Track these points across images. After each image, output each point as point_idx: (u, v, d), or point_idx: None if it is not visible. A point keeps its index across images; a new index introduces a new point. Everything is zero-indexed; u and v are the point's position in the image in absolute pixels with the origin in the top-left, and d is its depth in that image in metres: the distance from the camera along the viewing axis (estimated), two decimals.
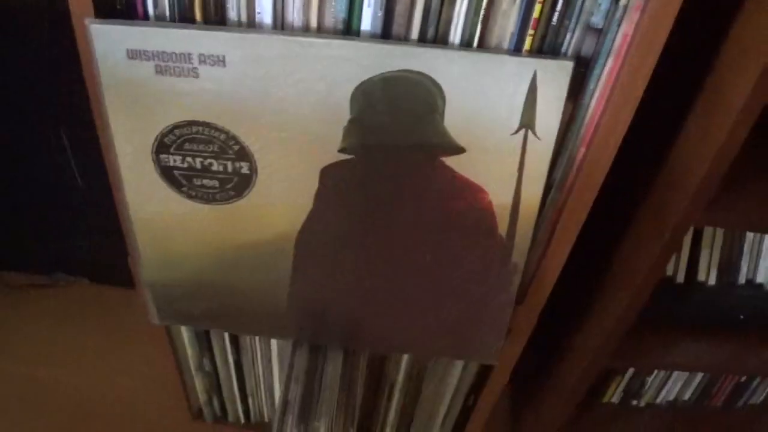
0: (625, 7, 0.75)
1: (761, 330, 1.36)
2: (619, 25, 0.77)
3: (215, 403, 1.48)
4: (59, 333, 1.78)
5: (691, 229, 1.22)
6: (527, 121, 0.82)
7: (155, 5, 0.81)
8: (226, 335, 1.29)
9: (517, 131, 0.83)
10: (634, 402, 1.67)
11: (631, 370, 1.56)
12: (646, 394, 1.64)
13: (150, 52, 0.80)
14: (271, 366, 1.35)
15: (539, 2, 0.76)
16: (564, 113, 0.83)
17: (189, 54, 0.80)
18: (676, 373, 1.59)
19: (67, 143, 1.51)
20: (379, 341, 1.14)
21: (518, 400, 1.72)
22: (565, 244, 0.97)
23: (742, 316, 1.32)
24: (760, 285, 1.31)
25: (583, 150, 0.87)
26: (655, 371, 1.56)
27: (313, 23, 0.81)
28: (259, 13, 0.81)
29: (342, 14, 0.80)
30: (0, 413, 1.60)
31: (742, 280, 1.31)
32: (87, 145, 1.53)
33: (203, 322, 1.15)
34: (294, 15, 0.81)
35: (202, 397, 1.46)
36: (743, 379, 1.63)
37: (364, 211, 0.94)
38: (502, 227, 0.93)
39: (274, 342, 1.29)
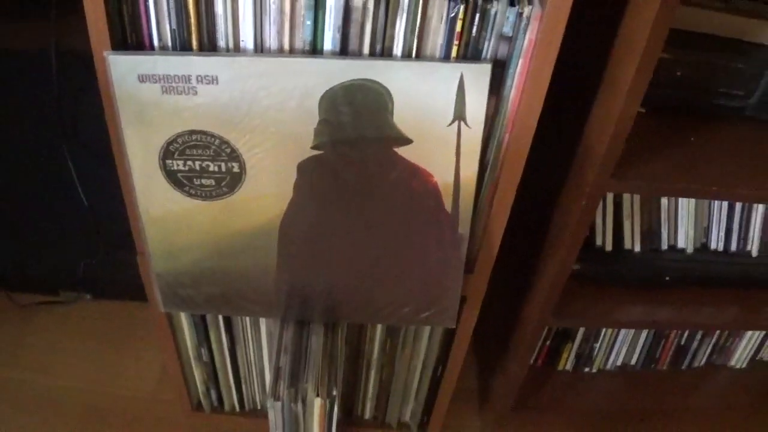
0: (528, 18, 0.89)
1: (689, 288, 1.48)
2: (525, 33, 0.91)
3: (212, 393, 1.56)
4: (67, 344, 1.83)
5: (612, 200, 1.37)
6: (459, 114, 0.96)
7: (159, 38, 0.92)
8: (222, 325, 1.38)
9: (452, 123, 0.97)
10: (587, 369, 1.79)
11: (580, 336, 1.68)
12: (596, 359, 1.76)
13: (157, 75, 0.92)
14: (262, 353, 1.44)
15: (460, 19, 0.89)
16: (489, 106, 0.96)
17: (189, 76, 0.92)
18: (621, 338, 1.71)
19: (72, 167, 1.55)
20: (355, 313, 1.25)
21: (483, 371, 1.82)
22: (501, 216, 1.11)
23: (667, 278, 1.44)
24: (682, 249, 1.44)
25: (507, 135, 1.01)
26: (602, 335, 1.69)
27: (286, 46, 0.93)
28: (243, 40, 0.93)
29: (308, 37, 0.92)
30: (15, 418, 1.66)
31: (664, 246, 1.43)
32: (90, 169, 1.56)
33: (204, 306, 1.25)
34: (271, 40, 0.93)
35: (200, 388, 1.54)
36: (683, 342, 1.76)
37: (335, 197, 1.06)
38: (448, 204, 1.06)
39: (263, 330, 1.38)
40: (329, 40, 0.93)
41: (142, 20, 0.92)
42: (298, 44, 0.94)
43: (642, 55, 0.96)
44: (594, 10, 1.10)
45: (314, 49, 0.94)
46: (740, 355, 1.89)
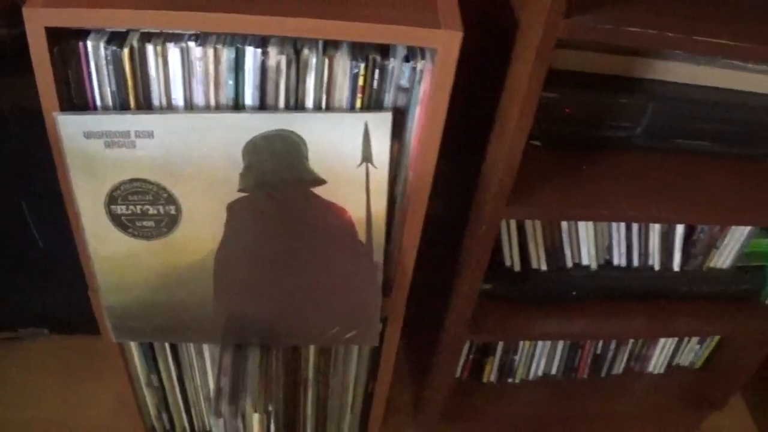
0: (421, 71, 0.99)
1: (597, 302, 1.60)
2: (419, 84, 1.01)
3: (164, 416, 1.63)
4: (26, 378, 1.89)
5: (516, 224, 1.48)
6: (366, 157, 1.07)
7: (101, 99, 1.00)
8: (169, 352, 1.45)
9: (360, 164, 1.07)
10: (510, 380, 1.89)
11: (500, 349, 1.78)
12: (518, 370, 1.86)
13: (100, 132, 0.99)
14: (207, 377, 1.52)
15: (362, 75, 1.00)
16: (393, 148, 1.06)
17: (128, 131, 1.00)
18: (539, 350, 1.81)
19: (28, 214, 1.63)
20: (287, 336, 1.34)
21: (414, 385, 1.92)
22: (412, 244, 1.22)
23: (574, 293, 1.56)
24: (587, 266, 1.55)
25: (411, 172, 1.13)
26: (520, 348, 1.79)
27: (212, 102, 1.02)
28: (174, 99, 1.01)
29: (231, 95, 1.01)
30: None
31: (569, 264, 1.54)
32: (45, 215, 1.65)
33: (152, 336, 1.33)
34: (199, 98, 1.01)
35: (153, 412, 1.61)
36: (599, 351, 1.86)
37: (262, 233, 1.15)
38: (362, 235, 1.16)
39: (207, 355, 1.46)
40: (249, 96, 1.02)
41: (86, 84, 1.00)
42: (223, 101, 1.03)
43: (524, 96, 1.08)
44: (486, 59, 1.23)
45: (237, 105, 1.03)
46: (656, 361, 2.00)
